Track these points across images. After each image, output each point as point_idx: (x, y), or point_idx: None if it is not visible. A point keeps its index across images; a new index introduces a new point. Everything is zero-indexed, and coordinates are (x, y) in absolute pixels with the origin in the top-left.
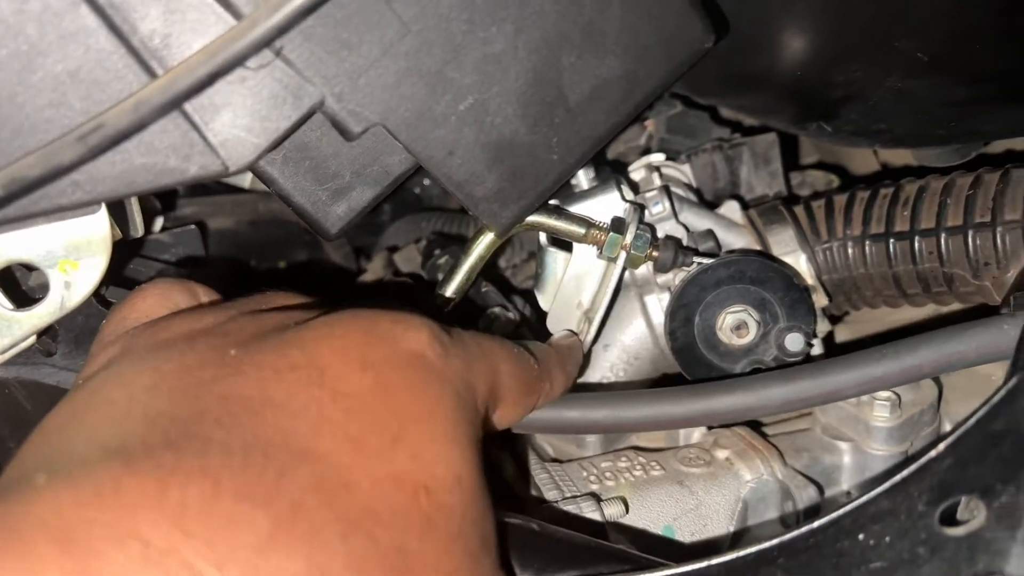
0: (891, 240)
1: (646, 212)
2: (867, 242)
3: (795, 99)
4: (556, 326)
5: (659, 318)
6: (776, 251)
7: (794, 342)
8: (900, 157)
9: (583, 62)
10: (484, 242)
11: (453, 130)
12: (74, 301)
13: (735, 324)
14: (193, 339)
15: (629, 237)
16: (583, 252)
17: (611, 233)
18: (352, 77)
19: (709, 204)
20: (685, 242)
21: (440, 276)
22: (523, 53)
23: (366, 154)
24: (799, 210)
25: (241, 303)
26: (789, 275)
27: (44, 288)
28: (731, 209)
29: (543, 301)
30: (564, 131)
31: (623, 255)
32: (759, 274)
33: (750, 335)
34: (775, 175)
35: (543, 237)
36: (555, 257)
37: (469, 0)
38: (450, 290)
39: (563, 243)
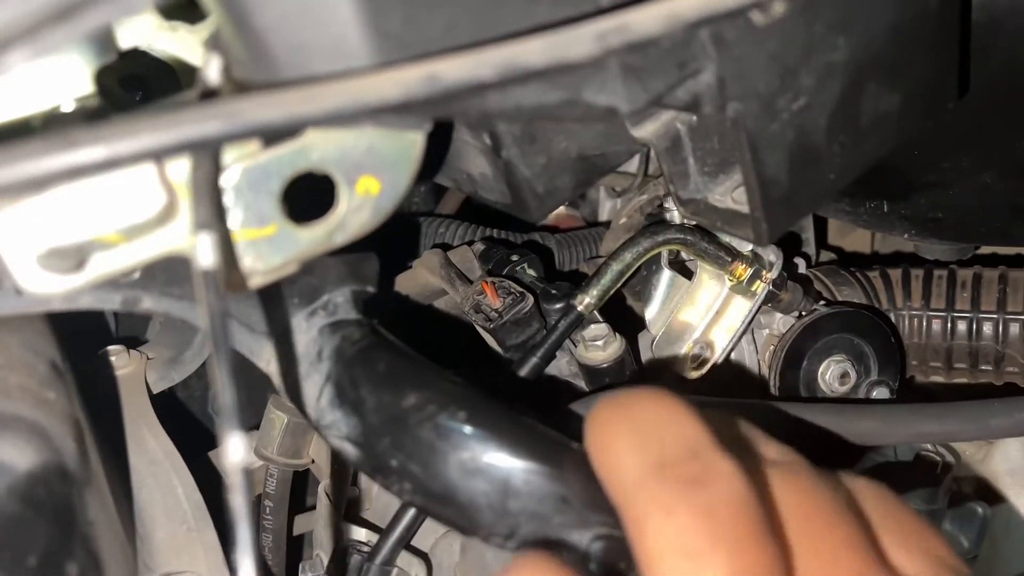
0: (952, 316)
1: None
2: (927, 315)
3: (878, 178)
4: (664, 347)
5: (744, 354)
6: None
7: (881, 396)
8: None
9: (879, 91)
10: (632, 254)
11: (781, 128)
12: (353, 231)
13: (840, 373)
14: None
15: (775, 272)
16: (707, 280)
17: (756, 266)
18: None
19: None
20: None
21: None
22: (851, 68)
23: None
24: (859, 275)
25: None
26: (889, 332)
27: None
28: (799, 266)
29: (652, 322)
30: (847, 153)
31: (763, 290)
32: (866, 327)
33: (849, 384)
34: (807, 244)
35: (664, 257)
36: (673, 280)
37: (837, 3)
38: (590, 299)
39: (679, 267)
